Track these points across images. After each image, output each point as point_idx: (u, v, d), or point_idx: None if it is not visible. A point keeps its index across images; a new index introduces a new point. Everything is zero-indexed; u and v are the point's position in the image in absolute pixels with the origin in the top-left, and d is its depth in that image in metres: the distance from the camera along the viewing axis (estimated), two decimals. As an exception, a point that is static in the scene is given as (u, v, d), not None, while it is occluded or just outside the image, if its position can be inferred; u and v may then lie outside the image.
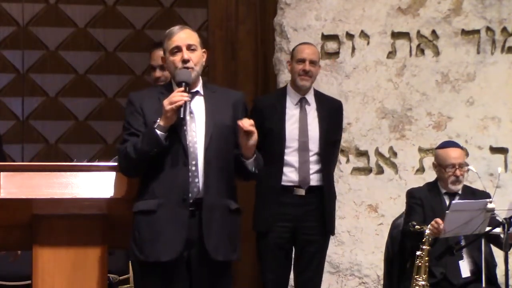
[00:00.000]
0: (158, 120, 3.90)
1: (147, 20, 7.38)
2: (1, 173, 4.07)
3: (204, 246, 3.92)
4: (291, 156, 5.16)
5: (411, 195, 5.22)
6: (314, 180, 5.17)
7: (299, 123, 5.19)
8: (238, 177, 4.09)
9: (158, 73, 5.03)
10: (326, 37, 6.25)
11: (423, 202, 5.15)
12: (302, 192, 5.15)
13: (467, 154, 6.04)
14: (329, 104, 5.33)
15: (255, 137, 3.93)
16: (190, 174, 3.92)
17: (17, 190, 4.07)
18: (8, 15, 7.22)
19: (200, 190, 3.94)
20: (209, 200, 3.93)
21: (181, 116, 3.86)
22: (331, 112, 5.29)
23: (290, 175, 5.16)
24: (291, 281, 5.38)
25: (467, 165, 5.22)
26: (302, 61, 5.22)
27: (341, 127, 5.46)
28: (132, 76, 7.36)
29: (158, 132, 3.89)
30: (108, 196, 4.11)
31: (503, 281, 4.98)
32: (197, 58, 4.00)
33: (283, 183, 5.14)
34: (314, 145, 5.18)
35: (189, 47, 3.99)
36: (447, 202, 5.14)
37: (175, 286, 3.95)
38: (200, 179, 3.94)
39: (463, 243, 5.02)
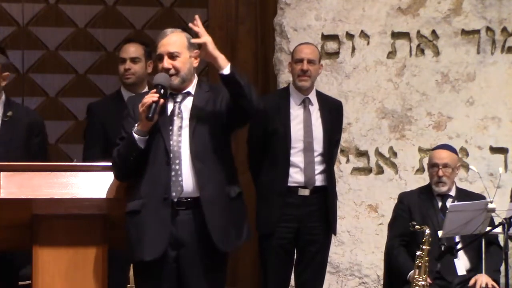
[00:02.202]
0: (136, 124, 3.96)
1: (147, 20, 7.38)
2: (1, 173, 4.08)
3: (199, 246, 3.94)
4: (296, 157, 5.14)
5: (400, 200, 5.30)
6: (319, 180, 5.16)
7: (304, 124, 5.17)
8: (235, 105, 3.97)
9: (128, 65, 5.20)
10: (326, 37, 6.25)
11: (411, 209, 5.17)
12: (306, 192, 5.14)
13: (466, 155, 6.05)
14: (330, 104, 5.33)
15: (204, 43, 3.93)
16: (173, 173, 3.95)
17: (17, 190, 4.08)
18: (8, 15, 7.22)
19: (184, 188, 3.95)
20: (205, 195, 3.95)
21: (149, 115, 3.88)
22: (332, 112, 5.29)
23: (295, 176, 5.14)
24: (291, 281, 5.38)
25: (457, 167, 5.25)
26: (300, 61, 5.21)
27: (341, 127, 5.46)
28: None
29: (136, 136, 3.94)
30: (108, 196, 4.11)
31: (503, 281, 4.98)
32: (181, 63, 4.04)
33: (288, 184, 5.14)
34: (318, 146, 5.17)
35: (171, 55, 4.03)
36: (440, 204, 5.15)
37: (161, 285, 3.97)
38: (183, 178, 3.95)
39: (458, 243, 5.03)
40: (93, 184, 4.14)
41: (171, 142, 3.98)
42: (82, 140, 5.31)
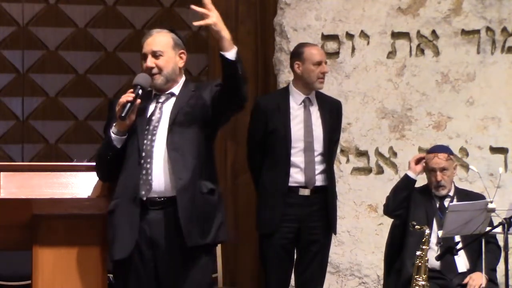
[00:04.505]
0: (114, 124, 3.94)
1: (147, 20, 7.38)
2: (1, 173, 4.08)
3: (173, 247, 3.91)
4: (296, 157, 5.14)
5: None
6: (319, 180, 5.16)
7: (304, 123, 5.17)
8: (228, 91, 3.91)
9: None
10: (326, 37, 6.25)
11: (410, 204, 5.17)
12: (307, 192, 5.14)
13: (466, 155, 6.06)
14: (330, 104, 5.33)
15: (213, 17, 3.81)
16: (143, 172, 3.92)
17: (17, 190, 4.08)
18: (8, 15, 7.22)
19: (153, 187, 3.91)
20: (181, 195, 3.90)
21: (122, 115, 3.85)
22: (332, 112, 5.29)
23: (295, 176, 5.14)
24: (292, 281, 5.38)
25: (454, 167, 5.26)
26: (319, 63, 5.18)
27: (340, 127, 5.45)
28: (132, 76, 7.33)
29: (113, 135, 3.93)
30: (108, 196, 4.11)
31: (503, 281, 4.98)
32: (164, 62, 4.00)
33: (289, 184, 5.13)
34: (318, 145, 5.17)
35: (154, 54, 4.01)
36: (438, 204, 5.17)
37: (141, 285, 3.96)
38: (153, 176, 3.91)
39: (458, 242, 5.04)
40: (93, 184, 4.14)
41: (144, 141, 3.94)
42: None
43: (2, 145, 7.17)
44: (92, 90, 7.33)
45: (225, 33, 3.84)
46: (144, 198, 3.92)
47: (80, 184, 4.16)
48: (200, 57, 7.25)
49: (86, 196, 4.13)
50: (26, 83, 7.25)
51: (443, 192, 5.17)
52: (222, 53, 3.85)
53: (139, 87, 3.92)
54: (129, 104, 3.87)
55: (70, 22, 7.31)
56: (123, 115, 3.86)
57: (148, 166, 3.92)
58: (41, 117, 7.27)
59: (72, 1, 7.31)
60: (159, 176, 3.93)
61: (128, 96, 3.88)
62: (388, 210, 5.25)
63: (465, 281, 5.00)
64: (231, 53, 3.85)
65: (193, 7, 3.87)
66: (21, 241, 4.16)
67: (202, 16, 3.84)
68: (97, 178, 4.14)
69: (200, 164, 3.97)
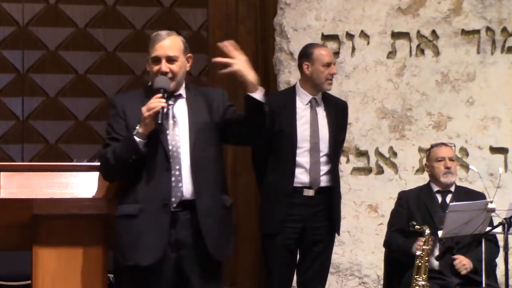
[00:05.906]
0: (137, 127, 3.90)
1: (147, 20, 7.39)
2: (1, 173, 4.08)
3: (199, 247, 3.93)
4: (302, 157, 5.12)
5: (399, 197, 5.35)
6: (324, 181, 5.14)
7: (311, 124, 5.15)
8: (250, 128, 3.99)
9: None
10: (326, 37, 6.25)
11: (409, 204, 5.20)
12: (311, 192, 5.13)
13: (466, 155, 6.07)
14: (336, 105, 5.30)
15: (237, 65, 3.87)
16: (173, 179, 3.92)
17: (17, 190, 4.08)
18: (8, 15, 7.22)
19: (184, 194, 3.93)
20: (202, 202, 3.94)
21: (159, 122, 3.85)
22: (337, 112, 5.26)
23: (300, 176, 5.12)
24: (293, 281, 5.38)
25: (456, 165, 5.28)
26: (328, 65, 5.16)
27: (345, 127, 5.43)
28: (132, 76, 7.37)
29: (137, 139, 3.88)
30: (108, 196, 4.11)
31: (503, 281, 4.98)
32: (178, 67, 4.00)
33: (294, 184, 5.13)
34: (324, 146, 5.15)
35: (169, 59, 3.99)
36: (440, 200, 5.18)
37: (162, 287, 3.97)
38: (183, 184, 3.93)
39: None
40: (93, 184, 4.14)
41: (170, 148, 3.94)
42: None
43: (2, 145, 7.18)
44: (92, 90, 7.33)
45: (251, 77, 3.88)
46: (175, 205, 3.92)
47: (80, 184, 4.16)
48: (200, 57, 7.25)
49: (86, 196, 4.13)
50: (26, 83, 7.26)
51: (452, 179, 5.19)
52: (249, 94, 3.88)
53: (162, 90, 3.92)
54: (161, 110, 3.87)
55: (70, 22, 7.31)
56: (159, 121, 3.85)
57: (177, 173, 3.92)
58: (41, 117, 7.27)
59: (72, 1, 7.31)
60: (188, 183, 3.94)
61: (159, 101, 3.86)
62: (386, 247, 5.31)
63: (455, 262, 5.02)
64: (258, 95, 3.90)
65: (216, 59, 3.92)
66: (21, 241, 4.17)
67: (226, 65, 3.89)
68: (96, 178, 4.14)
69: (219, 178, 4.02)
